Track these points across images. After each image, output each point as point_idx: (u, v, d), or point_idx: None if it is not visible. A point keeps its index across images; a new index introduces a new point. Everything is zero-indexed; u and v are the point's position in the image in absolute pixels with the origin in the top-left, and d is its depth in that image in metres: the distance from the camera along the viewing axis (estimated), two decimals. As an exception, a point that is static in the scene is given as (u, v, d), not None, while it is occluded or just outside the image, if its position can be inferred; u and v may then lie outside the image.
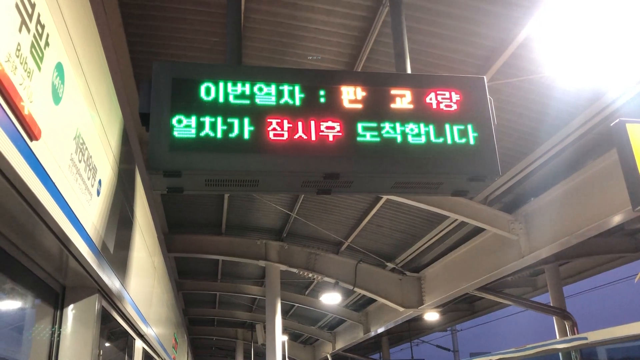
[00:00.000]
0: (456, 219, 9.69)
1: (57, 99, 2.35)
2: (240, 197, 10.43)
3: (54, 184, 2.38)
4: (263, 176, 3.51)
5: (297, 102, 3.60)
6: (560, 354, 9.72)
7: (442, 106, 3.77)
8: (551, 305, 12.91)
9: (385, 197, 9.35)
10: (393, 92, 3.76)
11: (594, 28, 5.20)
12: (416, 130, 3.67)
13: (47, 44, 2.16)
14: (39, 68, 2.11)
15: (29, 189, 2.13)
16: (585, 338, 6.75)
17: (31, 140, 2.09)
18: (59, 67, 2.34)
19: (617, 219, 6.99)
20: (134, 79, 5.84)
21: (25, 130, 2.01)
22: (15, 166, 1.95)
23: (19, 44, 1.89)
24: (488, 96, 3.90)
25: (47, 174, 2.29)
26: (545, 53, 5.65)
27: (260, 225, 12.04)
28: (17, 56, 1.89)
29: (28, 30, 1.97)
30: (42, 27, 2.10)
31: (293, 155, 3.47)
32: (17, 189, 2.12)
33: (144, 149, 5.81)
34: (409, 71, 4.24)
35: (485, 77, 4.01)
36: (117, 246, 4.13)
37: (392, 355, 23.96)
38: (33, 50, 2.02)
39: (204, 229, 12.09)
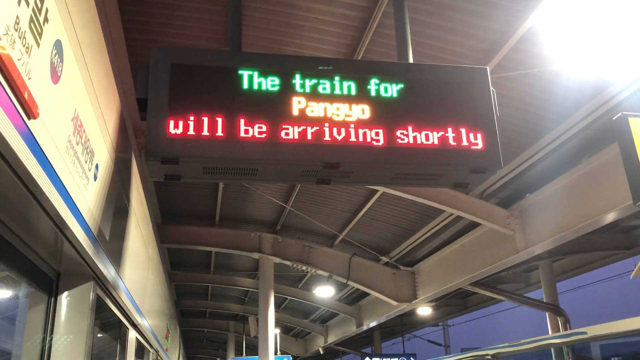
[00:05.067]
0: (451, 214, 9.68)
1: (55, 77, 2.29)
2: (234, 189, 10.36)
3: (51, 165, 2.32)
4: (262, 165, 3.45)
5: (299, 89, 3.55)
6: (552, 350, 9.73)
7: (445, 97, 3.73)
8: (544, 301, 12.95)
9: (381, 191, 9.32)
10: (394, 82, 3.71)
11: (596, 21, 5.16)
12: (419, 122, 3.63)
13: (46, 19, 2.09)
14: (38, 44, 2.04)
15: (25, 169, 2.07)
16: (585, 332, 6.74)
17: (29, 118, 2.02)
18: (58, 45, 2.28)
19: (612, 216, 7.00)
20: (129, 65, 5.76)
21: (23, 108, 1.95)
22: (12, 144, 1.89)
23: (17, 17, 1.83)
24: (491, 87, 3.86)
25: (45, 154, 2.23)
26: (546, 47, 5.61)
27: (254, 218, 11.98)
28: (16, 30, 1.82)
29: (27, 3, 1.90)
30: (42, 1, 2.03)
31: (293, 144, 3.42)
32: (13, 168, 2.05)
33: (138, 137, 5.75)
34: (411, 60, 4.19)
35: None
36: (113, 233, 4.07)
37: (384, 349, 24.01)
38: (32, 24, 1.96)
39: (197, 220, 12.02)
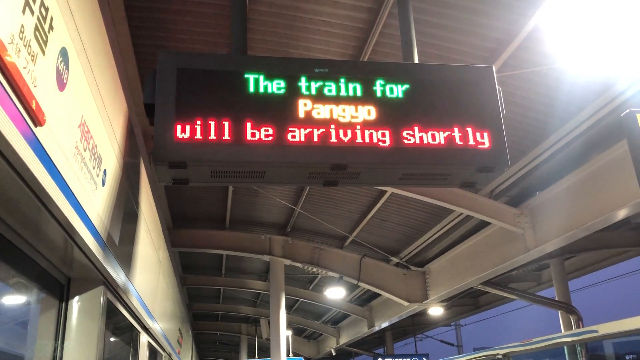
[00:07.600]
0: (461, 213, 9.64)
1: (61, 84, 2.31)
2: (244, 192, 10.39)
3: (58, 171, 2.34)
4: (269, 167, 3.46)
5: (304, 92, 3.55)
6: (565, 348, 9.67)
7: (451, 97, 3.73)
8: (556, 299, 12.86)
9: (390, 191, 9.30)
10: (400, 82, 3.71)
11: (603, 18, 5.13)
12: (425, 122, 3.63)
13: (51, 27, 2.11)
14: (43, 52, 2.06)
15: (33, 176, 2.09)
16: (596, 331, 6.69)
17: (35, 126, 2.05)
18: (64, 52, 2.30)
19: (623, 213, 6.94)
20: (137, 71, 5.80)
21: (30, 115, 1.97)
22: (19, 152, 1.91)
23: (22, 26, 1.85)
24: (497, 86, 3.85)
25: (52, 162, 2.25)
26: (552, 44, 5.58)
27: (264, 220, 12.01)
28: (21, 38, 1.84)
29: (32, 12, 1.92)
30: (46, 9, 2.05)
31: (300, 146, 3.43)
32: (21, 175, 2.08)
33: (147, 142, 5.78)
34: (416, 61, 4.19)
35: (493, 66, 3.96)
36: (122, 238, 4.09)
37: (396, 350, 23.96)
38: (37, 33, 1.98)
39: (207, 223, 12.06)
